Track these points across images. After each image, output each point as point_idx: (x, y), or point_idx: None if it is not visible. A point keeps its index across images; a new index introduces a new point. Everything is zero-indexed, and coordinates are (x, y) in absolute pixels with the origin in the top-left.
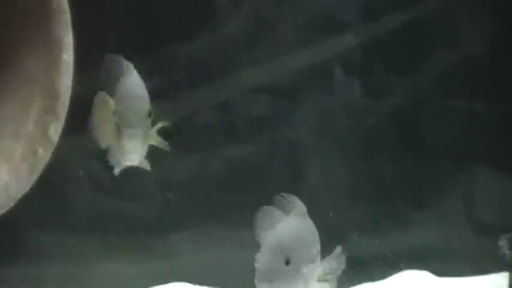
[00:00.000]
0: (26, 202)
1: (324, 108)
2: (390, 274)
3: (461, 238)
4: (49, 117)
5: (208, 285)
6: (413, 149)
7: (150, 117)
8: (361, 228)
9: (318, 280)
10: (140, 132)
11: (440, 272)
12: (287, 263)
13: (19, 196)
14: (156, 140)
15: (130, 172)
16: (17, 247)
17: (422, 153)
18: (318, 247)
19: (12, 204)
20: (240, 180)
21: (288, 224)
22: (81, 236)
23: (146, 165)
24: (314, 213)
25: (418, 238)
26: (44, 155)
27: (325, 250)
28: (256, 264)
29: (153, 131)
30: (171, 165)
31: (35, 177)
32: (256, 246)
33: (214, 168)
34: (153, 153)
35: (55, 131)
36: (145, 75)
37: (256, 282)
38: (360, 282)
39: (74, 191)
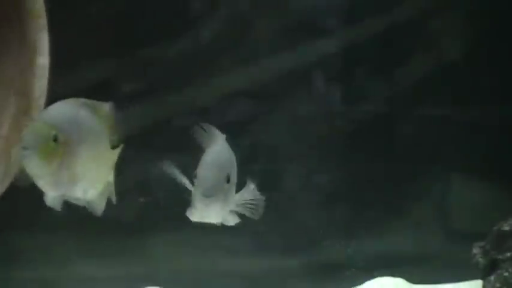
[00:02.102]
0: None
1: (301, 113)
2: (364, 281)
3: (436, 245)
4: (24, 120)
5: None
6: (388, 155)
7: None
8: (334, 234)
9: (231, 210)
10: None
11: (414, 279)
12: (228, 180)
13: None
14: None
15: None
16: None
17: (397, 160)
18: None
19: None
20: None
21: (217, 148)
22: (54, 237)
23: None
24: (289, 218)
25: (392, 245)
26: (19, 158)
27: (300, 255)
28: (196, 180)
29: None
30: (148, 169)
31: (9, 179)
32: (233, 250)
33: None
34: (129, 156)
35: None
36: (124, 79)
37: (194, 195)
38: None
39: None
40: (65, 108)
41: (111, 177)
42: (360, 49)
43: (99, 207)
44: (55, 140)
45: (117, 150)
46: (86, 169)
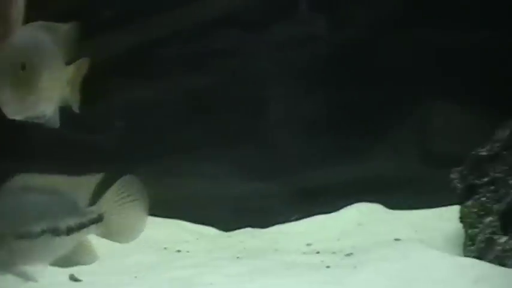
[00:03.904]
0: None
1: (284, 40)
2: (342, 206)
3: (413, 171)
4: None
5: (165, 217)
6: (367, 80)
7: None
8: (313, 160)
9: None
10: None
11: (391, 205)
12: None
13: None
14: None
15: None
16: None
17: (376, 84)
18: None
19: None
20: (200, 111)
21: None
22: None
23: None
24: (271, 145)
25: (370, 170)
26: None
27: (280, 181)
28: None
29: None
30: (133, 95)
31: None
32: (216, 177)
33: (173, 99)
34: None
35: None
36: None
37: None
38: (312, 214)
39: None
40: (29, 34)
41: (66, 92)
42: None
43: (56, 121)
44: (23, 68)
45: (72, 67)
46: (45, 89)
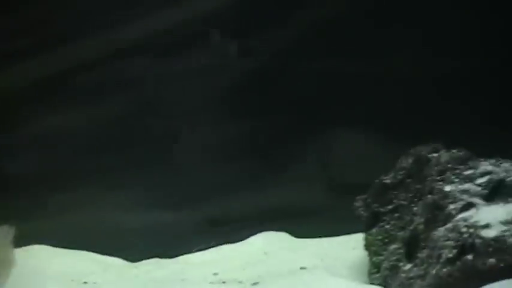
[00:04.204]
0: None
1: (196, 67)
2: (249, 235)
3: (319, 199)
4: None
5: (72, 248)
6: (273, 109)
7: None
8: (221, 189)
9: None
10: None
11: (298, 233)
12: None
13: None
14: None
15: None
16: None
17: (281, 113)
18: None
19: None
20: (109, 141)
21: None
22: None
23: None
24: (180, 174)
25: (276, 199)
26: None
27: (188, 210)
28: None
29: None
30: (40, 123)
31: None
32: (123, 207)
33: (82, 127)
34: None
35: None
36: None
37: None
38: (220, 243)
39: None
40: None
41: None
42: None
43: None
44: None
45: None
46: None
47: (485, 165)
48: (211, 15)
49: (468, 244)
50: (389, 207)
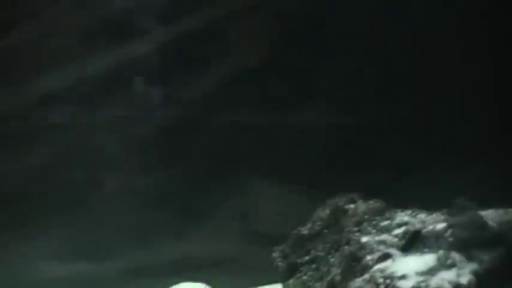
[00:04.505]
0: None
1: (121, 115)
2: (168, 285)
3: (237, 250)
4: None
5: None
6: (192, 158)
7: None
8: (139, 241)
9: None
10: None
11: (216, 284)
12: None
13: None
14: None
15: None
16: None
17: (202, 163)
18: None
19: None
20: (36, 190)
21: None
22: None
23: None
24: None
25: (193, 249)
26: None
27: (102, 261)
28: None
29: None
30: None
31: None
32: (38, 258)
33: (8, 179)
34: None
35: None
36: None
37: None
38: None
39: None
40: None
41: None
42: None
43: None
44: None
45: None
46: None
47: (402, 216)
48: (135, 63)
49: None
50: (307, 258)
